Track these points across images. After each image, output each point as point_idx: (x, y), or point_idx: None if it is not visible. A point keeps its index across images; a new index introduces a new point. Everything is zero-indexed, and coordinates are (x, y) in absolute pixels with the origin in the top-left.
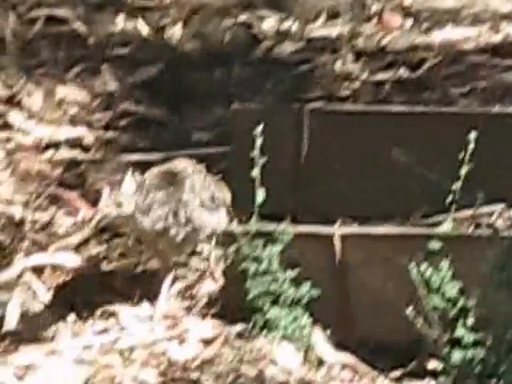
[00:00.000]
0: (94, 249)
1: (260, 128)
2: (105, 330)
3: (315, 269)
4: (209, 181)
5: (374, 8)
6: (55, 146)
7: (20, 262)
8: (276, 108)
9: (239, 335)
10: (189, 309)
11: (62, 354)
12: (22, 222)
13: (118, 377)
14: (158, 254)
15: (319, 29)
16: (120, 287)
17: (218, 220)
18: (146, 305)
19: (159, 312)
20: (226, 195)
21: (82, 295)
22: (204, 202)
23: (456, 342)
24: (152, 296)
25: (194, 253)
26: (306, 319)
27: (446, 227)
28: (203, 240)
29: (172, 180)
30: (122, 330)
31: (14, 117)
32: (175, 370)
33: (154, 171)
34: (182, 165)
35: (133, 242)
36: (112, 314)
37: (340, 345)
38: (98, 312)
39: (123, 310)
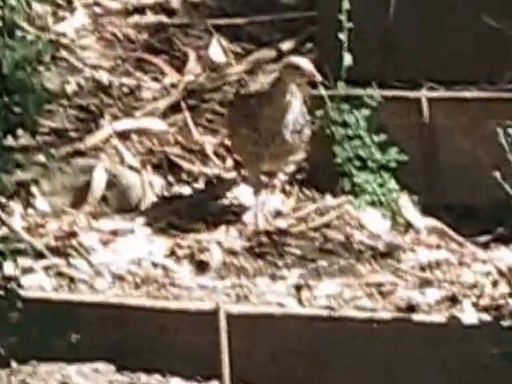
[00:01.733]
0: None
1: None
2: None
3: (403, 133)
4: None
5: None
6: (141, 10)
7: (107, 127)
8: None
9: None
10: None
11: (149, 221)
12: (109, 87)
13: (204, 242)
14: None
15: None
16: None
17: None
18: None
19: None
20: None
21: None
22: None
23: None
24: None
25: None
26: (393, 184)
27: None
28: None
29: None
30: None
31: None
32: (261, 235)
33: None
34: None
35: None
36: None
37: (427, 210)
38: (184, 176)
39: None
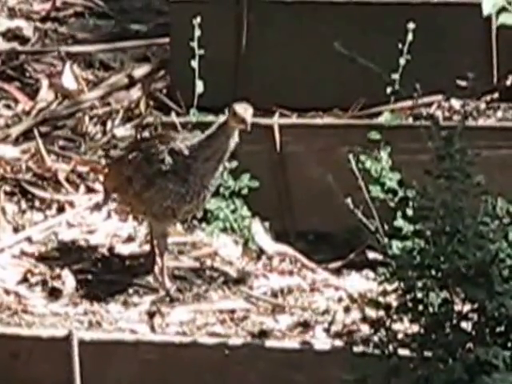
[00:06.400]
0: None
1: (198, 19)
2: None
3: (255, 160)
4: None
5: None
6: None
7: None
8: None
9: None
10: None
11: (4, 248)
12: None
13: (57, 269)
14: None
15: None
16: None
17: None
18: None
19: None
20: None
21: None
22: None
23: (395, 233)
24: None
25: None
26: (245, 211)
27: (386, 118)
28: None
29: None
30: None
31: None
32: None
33: None
34: None
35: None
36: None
37: (279, 236)
38: (37, 203)
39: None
